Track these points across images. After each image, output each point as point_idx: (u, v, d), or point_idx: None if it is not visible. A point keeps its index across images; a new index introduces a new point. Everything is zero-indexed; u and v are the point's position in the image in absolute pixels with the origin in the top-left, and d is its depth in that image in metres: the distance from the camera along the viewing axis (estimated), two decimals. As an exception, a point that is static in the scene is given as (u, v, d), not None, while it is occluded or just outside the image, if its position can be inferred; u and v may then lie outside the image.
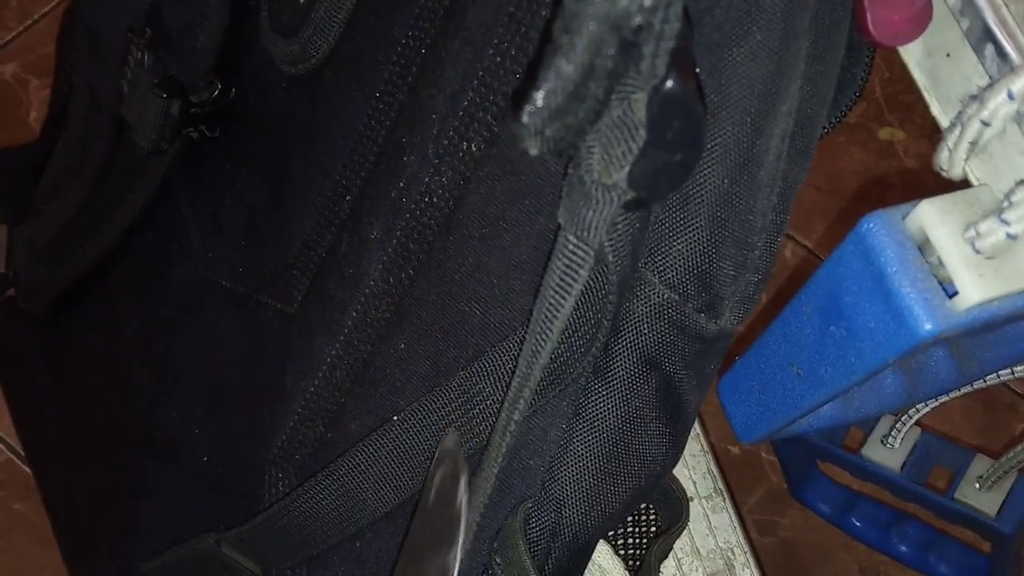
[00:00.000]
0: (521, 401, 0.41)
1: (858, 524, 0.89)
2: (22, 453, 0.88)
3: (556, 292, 0.39)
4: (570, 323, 0.42)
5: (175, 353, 0.64)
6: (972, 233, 0.38)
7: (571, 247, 0.38)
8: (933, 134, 0.42)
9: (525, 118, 0.33)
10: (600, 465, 0.44)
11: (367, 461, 0.48)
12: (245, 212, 0.58)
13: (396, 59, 0.48)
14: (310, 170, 0.53)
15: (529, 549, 0.44)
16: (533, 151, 0.34)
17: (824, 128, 0.44)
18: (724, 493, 0.75)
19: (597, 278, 0.40)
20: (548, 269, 0.39)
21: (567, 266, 0.38)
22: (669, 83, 0.34)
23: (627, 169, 0.35)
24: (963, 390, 0.60)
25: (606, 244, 0.39)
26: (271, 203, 0.56)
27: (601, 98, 0.34)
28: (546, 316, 0.39)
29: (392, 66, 0.49)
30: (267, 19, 0.54)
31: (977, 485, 0.77)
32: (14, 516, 0.89)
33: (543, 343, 0.40)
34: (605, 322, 0.42)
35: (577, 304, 0.40)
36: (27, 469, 0.87)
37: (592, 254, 0.37)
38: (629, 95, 0.34)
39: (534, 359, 0.40)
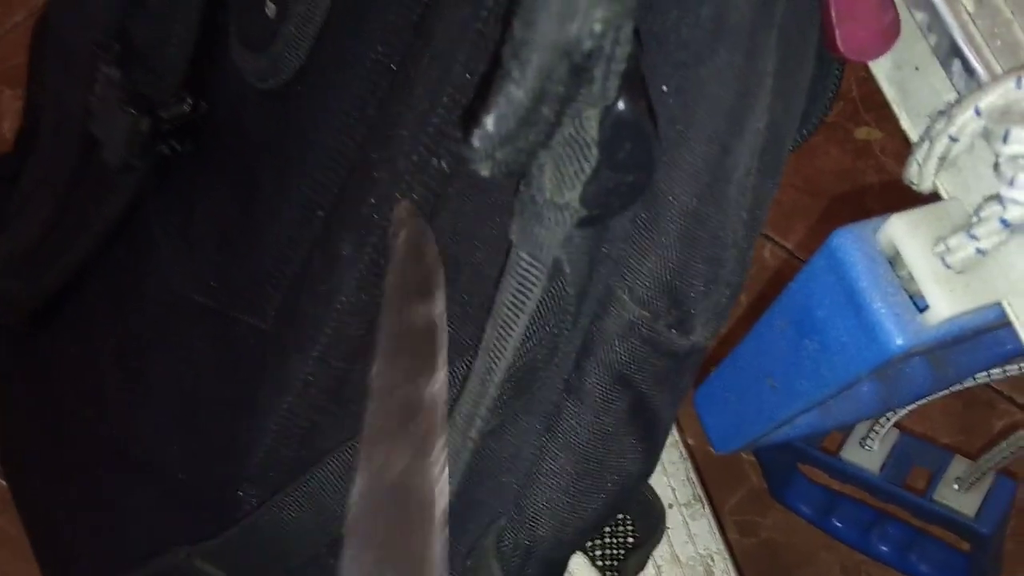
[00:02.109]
0: (478, 419, 0.41)
1: (839, 525, 0.89)
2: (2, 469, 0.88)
3: (509, 310, 0.39)
4: (529, 334, 0.42)
5: (150, 368, 0.64)
6: (942, 248, 0.38)
7: (524, 265, 0.38)
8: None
9: (476, 142, 0.33)
10: (573, 482, 0.44)
11: (336, 472, 0.48)
12: (217, 227, 0.58)
13: (365, 75, 0.48)
14: (281, 185, 0.53)
15: (503, 567, 0.44)
16: (484, 173, 0.34)
17: (796, 140, 0.44)
18: (703, 500, 0.75)
19: (555, 290, 0.40)
20: (501, 287, 0.39)
21: (520, 284, 0.38)
22: (620, 105, 0.34)
23: (579, 189, 0.35)
24: (941, 392, 0.60)
25: (563, 257, 0.39)
26: (243, 218, 0.56)
27: (552, 120, 0.34)
28: (500, 334, 0.39)
29: (361, 82, 0.48)
30: (236, 34, 0.54)
31: (956, 486, 0.77)
32: (-6, 531, 0.88)
33: (497, 360, 0.40)
34: (566, 331, 0.42)
35: (535, 316, 0.41)
36: (3, 483, 0.87)
37: (545, 272, 0.37)
38: (580, 113, 0.34)
39: (489, 376, 0.40)
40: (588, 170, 0.35)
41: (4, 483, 0.87)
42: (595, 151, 0.35)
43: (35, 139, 0.73)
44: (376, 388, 0.43)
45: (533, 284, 0.38)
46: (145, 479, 0.64)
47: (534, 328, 0.42)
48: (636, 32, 0.33)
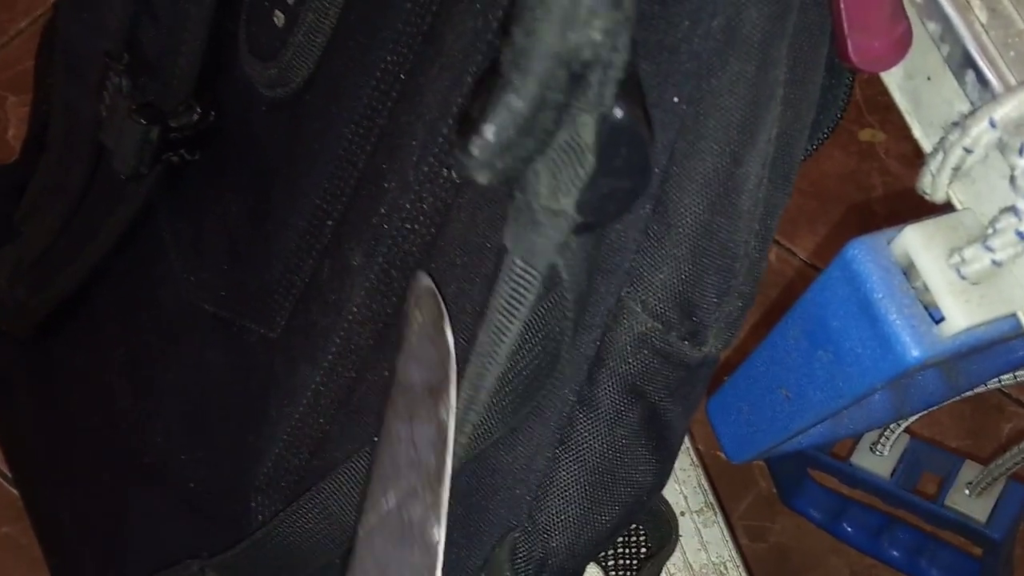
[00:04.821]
0: (468, 424, 0.41)
1: (849, 529, 0.88)
2: (9, 475, 0.88)
3: (502, 315, 0.38)
4: (527, 341, 0.41)
5: (159, 377, 0.64)
6: (957, 259, 0.38)
7: (517, 271, 0.38)
8: (913, 136, 0.42)
9: (475, 151, 0.33)
10: (586, 494, 0.43)
11: (348, 483, 0.48)
12: (226, 236, 0.58)
13: (375, 84, 0.48)
14: (291, 194, 0.53)
15: (516, 579, 0.44)
16: (481, 181, 0.33)
17: (807, 149, 0.44)
18: (715, 507, 0.75)
19: (552, 297, 0.40)
20: (494, 292, 0.39)
21: (513, 290, 0.38)
22: (617, 112, 0.34)
23: (575, 195, 0.35)
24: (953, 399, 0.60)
25: (560, 263, 0.39)
26: (252, 227, 0.56)
27: (550, 128, 0.33)
28: (492, 339, 0.39)
29: (371, 91, 0.48)
30: (246, 42, 0.54)
31: (967, 491, 0.77)
32: (1, 538, 0.88)
33: (489, 366, 0.39)
34: (566, 338, 0.41)
35: (533, 323, 0.40)
36: (15, 491, 0.87)
37: (539, 278, 0.37)
38: (576, 118, 0.34)
39: (480, 382, 0.40)
40: (584, 176, 0.35)
41: (14, 492, 0.87)
42: (591, 157, 0.35)
43: (42, 147, 0.73)
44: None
45: (527, 290, 0.38)
46: (155, 488, 0.64)
47: (532, 335, 0.42)
48: (633, 40, 0.33)
